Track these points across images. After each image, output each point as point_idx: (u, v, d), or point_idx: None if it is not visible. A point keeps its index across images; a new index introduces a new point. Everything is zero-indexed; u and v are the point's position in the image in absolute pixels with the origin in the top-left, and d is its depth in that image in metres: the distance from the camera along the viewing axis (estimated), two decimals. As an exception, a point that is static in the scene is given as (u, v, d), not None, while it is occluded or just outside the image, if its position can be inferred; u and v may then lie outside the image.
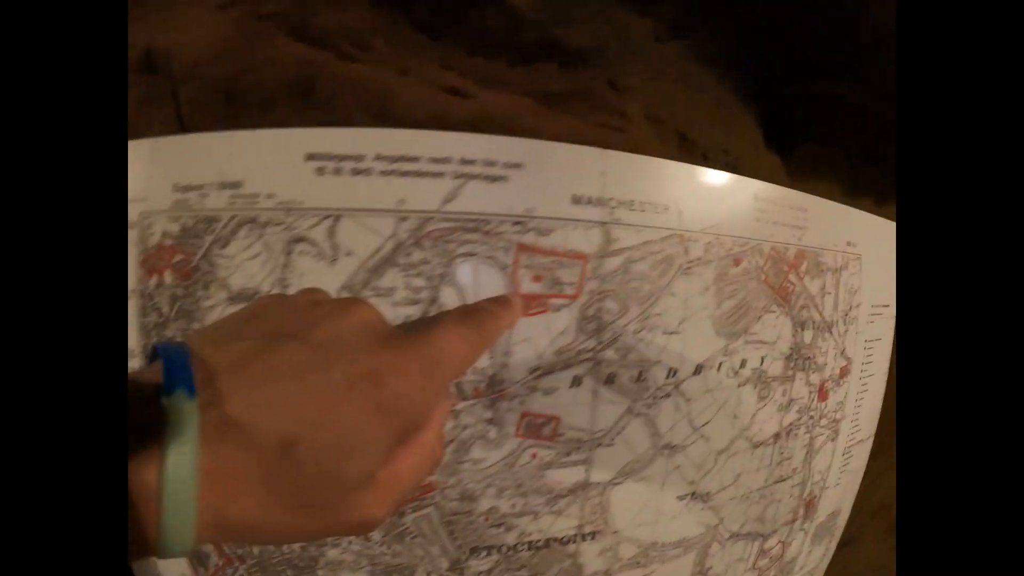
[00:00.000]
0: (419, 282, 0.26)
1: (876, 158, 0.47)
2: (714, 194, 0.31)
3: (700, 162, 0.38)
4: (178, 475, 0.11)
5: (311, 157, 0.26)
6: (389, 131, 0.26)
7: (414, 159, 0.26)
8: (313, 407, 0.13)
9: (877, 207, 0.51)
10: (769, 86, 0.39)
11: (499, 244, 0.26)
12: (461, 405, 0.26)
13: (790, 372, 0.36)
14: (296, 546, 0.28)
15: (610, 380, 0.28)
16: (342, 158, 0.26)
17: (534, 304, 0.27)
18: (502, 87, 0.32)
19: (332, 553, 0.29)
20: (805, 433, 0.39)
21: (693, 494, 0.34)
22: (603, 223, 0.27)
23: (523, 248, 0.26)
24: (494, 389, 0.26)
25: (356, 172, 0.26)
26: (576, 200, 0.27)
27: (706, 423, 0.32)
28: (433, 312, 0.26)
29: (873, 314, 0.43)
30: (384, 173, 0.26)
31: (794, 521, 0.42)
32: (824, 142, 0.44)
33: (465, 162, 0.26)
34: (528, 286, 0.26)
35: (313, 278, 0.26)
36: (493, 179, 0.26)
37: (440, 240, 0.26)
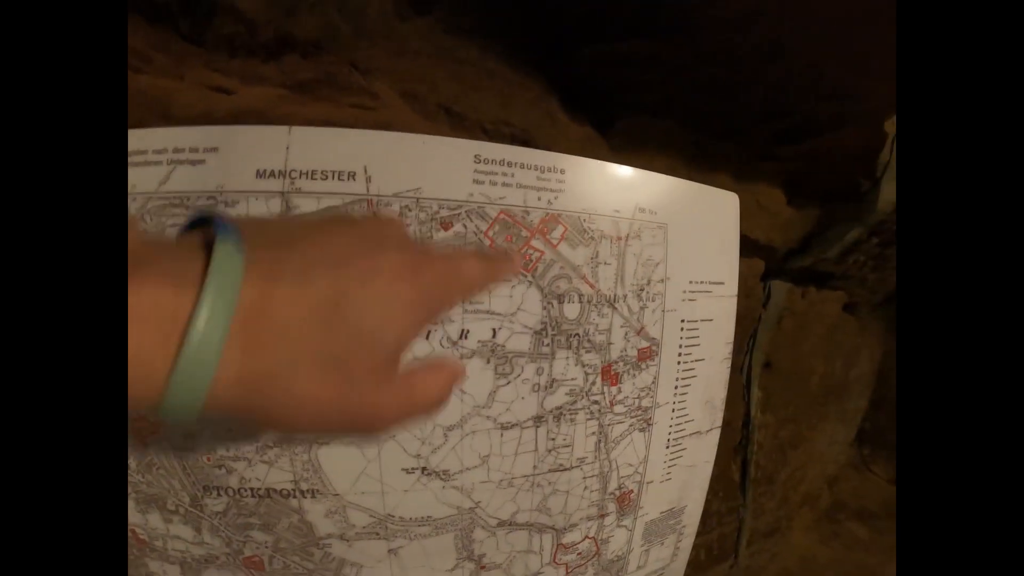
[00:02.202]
0: (138, 247, 0.31)
1: (724, 130, 0.40)
2: (414, 158, 0.30)
3: (481, 137, 0.38)
4: (212, 317, 0.10)
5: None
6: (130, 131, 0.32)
7: (143, 152, 0.32)
8: (361, 279, 0.14)
9: (737, 184, 0.43)
10: (548, 53, 0.37)
11: (194, 214, 0.30)
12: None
13: (545, 349, 0.33)
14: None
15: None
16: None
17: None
18: (260, 81, 0.36)
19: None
20: (589, 419, 0.35)
21: (424, 469, 0.33)
22: (283, 193, 0.30)
23: (211, 217, 0.30)
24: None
25: (108, 161, 0.33)
26: (259, 174, 0.30)
27: (421, 392, 0.32)
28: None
29: (696, 291, 0.37)
30: (124, 162, 0.32)
31: (602, 516, 0.38)
32: (650, 112, 0.40)
33: (177, 151, 0.31)
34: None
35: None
36: (195, 163, 0.30)
37: (156, 215, 0.31)
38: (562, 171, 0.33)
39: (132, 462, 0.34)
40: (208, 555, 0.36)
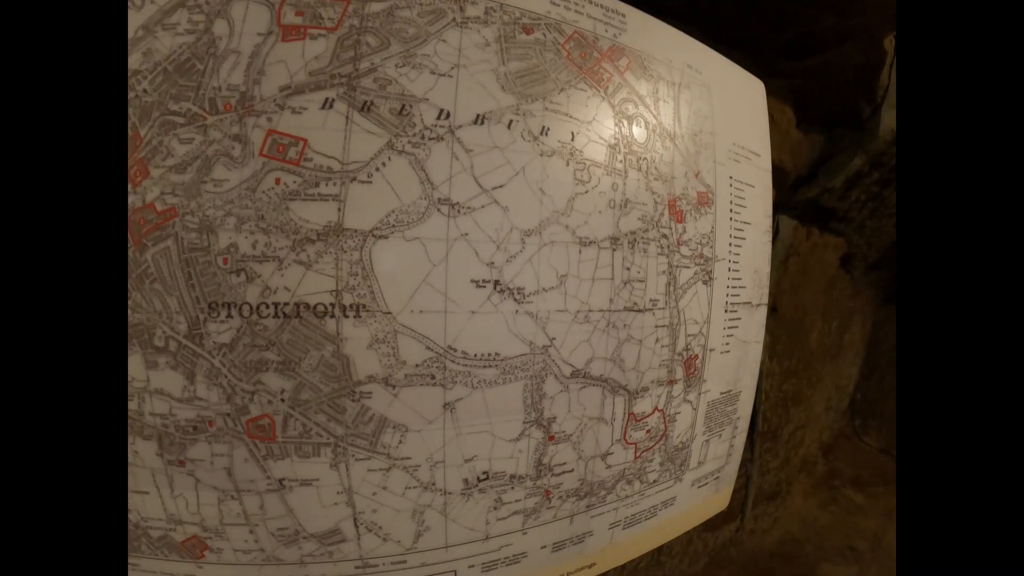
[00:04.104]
0: (199, 17, 0.29)
1: (738, 38, 0.46)
2: (498, -27, 0.32)
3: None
4: None
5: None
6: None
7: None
8: None
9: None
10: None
11: (267, -11, 0.29)
12: (211, 119, 0.27)
13: (619, 165, 0.33)
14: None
15: (366, 108, 0.27)
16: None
17: (292, 32, 0.28)
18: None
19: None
20: (660, 255, 0.34)
21: (497, 284, 0.29)
22: (369, -25, 0.30)
23: (288, -9, 0.29)
24: (244, 104, 0.27)
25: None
26: (345, -42, 0.30)
27: (499, 186, 0.29)
28: (205, 37, 0.28)
29: (738, 153, 0.39)
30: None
31: (672, 383, 0.34)
32: (677, 16, 0.45)
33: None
34: (290, 19, 0.28)
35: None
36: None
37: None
38: (623, 15, 0.36)
39: (120, 276, 0.27)
40: (199, 419, 0.27)
